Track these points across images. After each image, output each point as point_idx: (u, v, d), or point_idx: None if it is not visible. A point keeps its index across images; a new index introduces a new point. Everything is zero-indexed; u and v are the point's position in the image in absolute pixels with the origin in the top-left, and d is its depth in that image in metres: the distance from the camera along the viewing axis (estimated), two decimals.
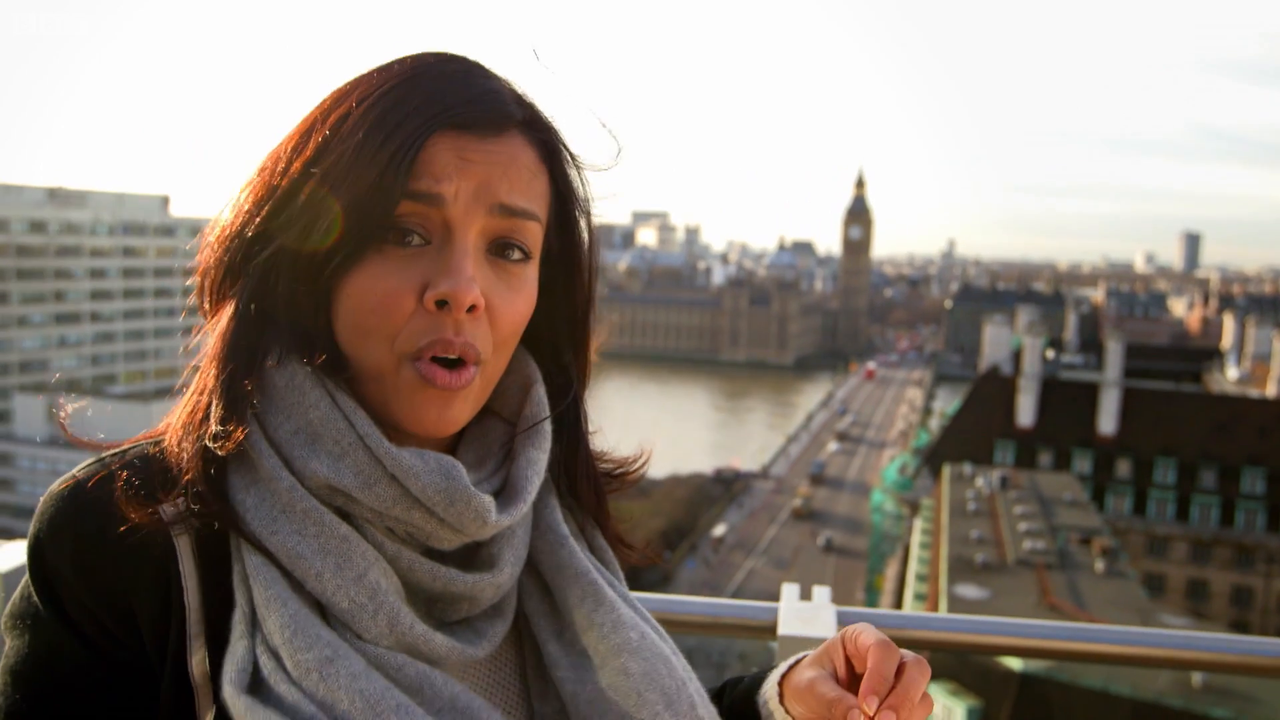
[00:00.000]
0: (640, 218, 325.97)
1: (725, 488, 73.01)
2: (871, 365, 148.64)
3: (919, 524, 40.55)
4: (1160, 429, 49.41)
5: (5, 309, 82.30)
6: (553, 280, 0.95)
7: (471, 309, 0.83)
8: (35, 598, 0.83)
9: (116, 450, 0.87)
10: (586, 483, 1.01)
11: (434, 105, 0.84)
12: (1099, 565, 31.43)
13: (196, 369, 0.88)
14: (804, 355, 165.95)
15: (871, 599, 45.09)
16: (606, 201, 0.96)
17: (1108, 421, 50.67)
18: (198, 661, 0.81)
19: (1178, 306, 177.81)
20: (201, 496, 0.82)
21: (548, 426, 0.96)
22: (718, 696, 1.09)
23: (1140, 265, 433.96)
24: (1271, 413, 50.64)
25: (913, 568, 37.14)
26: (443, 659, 0.84)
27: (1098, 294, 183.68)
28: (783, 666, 1.01)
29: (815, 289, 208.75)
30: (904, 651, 0.89)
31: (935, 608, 28.53)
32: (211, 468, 0.83)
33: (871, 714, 0.82)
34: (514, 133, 0.88)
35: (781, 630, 1.44)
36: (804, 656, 1.01)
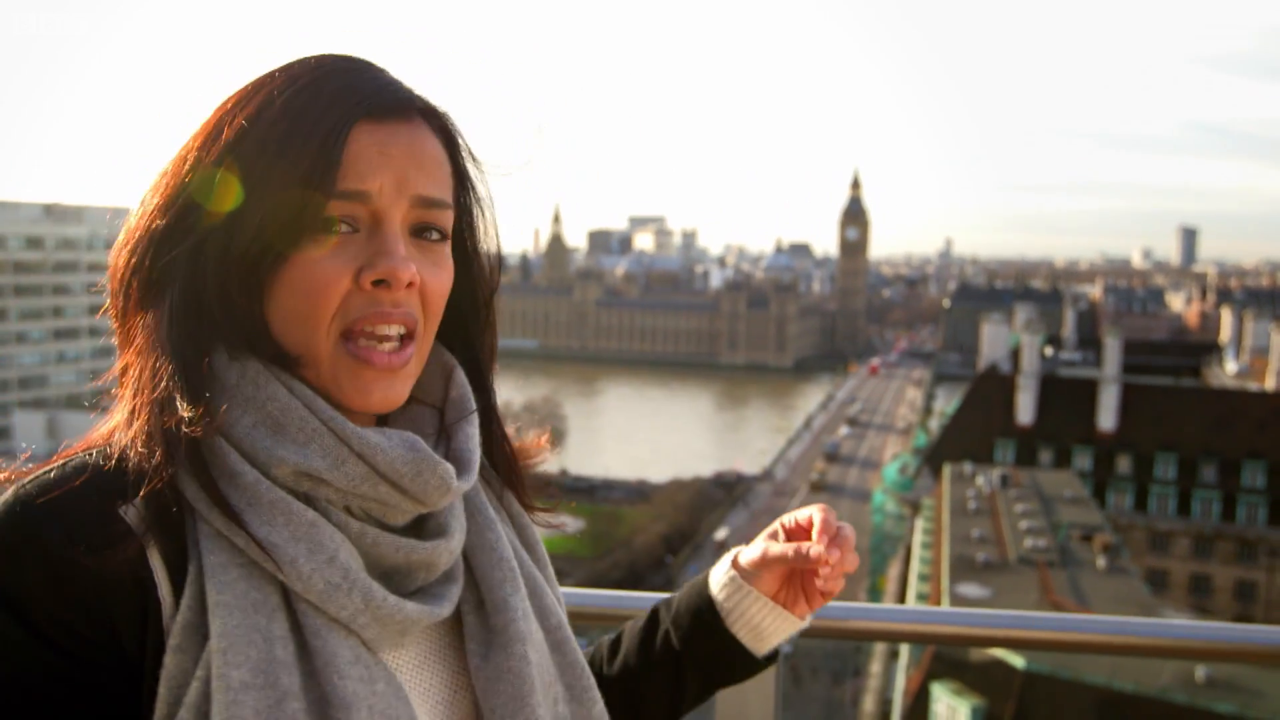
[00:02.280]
0: (637, 223, 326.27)
1: (727, 491, 72.87)
2: (875, 361, 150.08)
3: (920, 524, 40.47)
4: (1160, 424, 49.32)
5: (3, 325, 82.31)
6: (457, 264, 0.99)
7: (409, 285, 0.88)
8: None
9: (49, 465, 0.86)
10: (501, 453, 1.07)
11: (350, 95, 0.88)
12: (1101, 562, 31.29)
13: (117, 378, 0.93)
14: (803, 357, 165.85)
15: (874, 599, 44.95)
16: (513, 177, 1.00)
17: (1107, 418, 50.59)
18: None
19: (1175, 301, 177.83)
20: (165, 496, 0.82)
21: (474, 404, 1.02)
22: (651, 621, 1.23)
23: (1137, 261, 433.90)
24: (1271, 406, 50.46)
25: (915, 568, 37.05)
26: (414, 623, 0.88)
27: (1095, 290, 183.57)
28: (721, 564, 1.19)
29: (813, 291, 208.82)
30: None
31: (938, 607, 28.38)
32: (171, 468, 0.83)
33: (825, 552, 1.07)
34: (418, 120, 0.93)
35: None
36: (738, 550, 1.19)
